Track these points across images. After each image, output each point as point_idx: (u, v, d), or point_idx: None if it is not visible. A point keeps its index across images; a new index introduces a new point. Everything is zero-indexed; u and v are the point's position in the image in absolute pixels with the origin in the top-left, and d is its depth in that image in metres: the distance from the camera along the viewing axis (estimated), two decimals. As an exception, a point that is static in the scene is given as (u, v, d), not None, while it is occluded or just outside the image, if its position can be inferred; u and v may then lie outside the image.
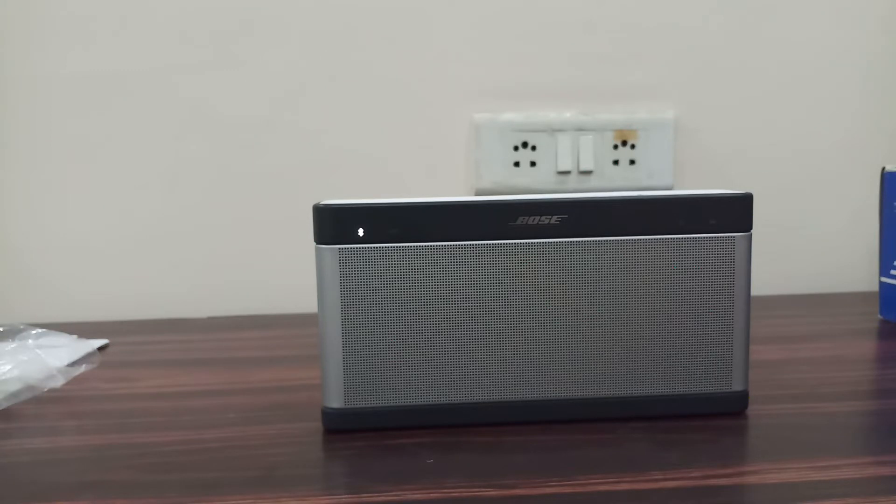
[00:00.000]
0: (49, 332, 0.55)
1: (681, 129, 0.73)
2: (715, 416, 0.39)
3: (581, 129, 0.71)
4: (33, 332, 0.54)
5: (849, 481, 0.32)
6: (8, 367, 0.46)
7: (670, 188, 0.72)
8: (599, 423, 0.38)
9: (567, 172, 0.72)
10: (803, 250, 0.76)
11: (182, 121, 0.70)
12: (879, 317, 0.62)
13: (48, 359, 0.49)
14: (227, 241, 0.72)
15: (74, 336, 0.56)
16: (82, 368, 0.50)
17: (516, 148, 0.71)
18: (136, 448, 0.37)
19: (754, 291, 0.40)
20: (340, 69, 0.71)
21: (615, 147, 0.72)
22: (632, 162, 0.72)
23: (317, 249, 0.38)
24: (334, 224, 0.37)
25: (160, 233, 0.71)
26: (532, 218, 0.38)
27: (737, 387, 0.39)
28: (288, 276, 0.70)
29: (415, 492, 0.31)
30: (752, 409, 0.40)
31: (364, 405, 0.38)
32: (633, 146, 0.72)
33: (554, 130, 0.71)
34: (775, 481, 0.32)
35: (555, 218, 0.38)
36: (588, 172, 0.72)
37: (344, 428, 0.38)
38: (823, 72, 0.74)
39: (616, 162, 0.72)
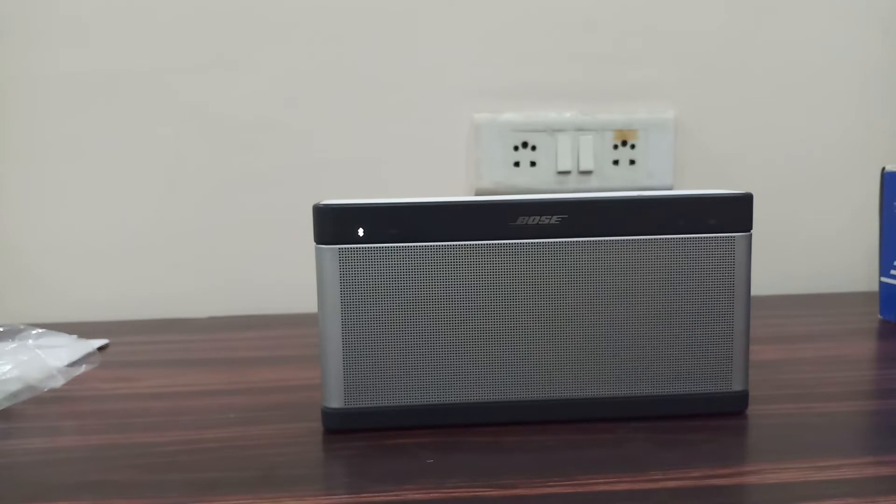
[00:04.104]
0: (49, 332, 0.55)
1: (681, 129, 0.73)
2: (715, 416, 0.39)
3: (581, 129, 0.71)
4: (33, 332, 0.54)
5: (849, 481, 0.32)
6: (8, 367, 0.46)
7: (670, 188, 0.72)
8: (599, 423, 0.38)
9: (567, 172, 0.72)
10: (803, 250, 0.76)
11: (182, 121, 0.70)
12: (879, 317, 0.62)
13: (48, 359, 0.49)
14: (227, 241, 0.72)
15: (74, 336, 0.56)
16: (82, 368, 0.50)
17: (516, 148, 0.71)
18: (136, 448, 0.37)
19: (754, 291, 0.40)
20: (340, 69, 0.71)
21: (615, 147, 0.72)
22: (632, 162, 0.72)
23: (317, 249, 0.38)
24: (334, 224, 0.37)
25: (160, 233, 0.71)
26: (532, 218, 0.38)
27: (737, 387, 0.39)
28: (288, 276, 0.70)
29: (415, 492, 0.31)
30: (752, 409, 0.40)
31: (364, 405, 0.38)
32: (633, 146, 0.72)
33: (554, 130, 0.71)
34: (775, 481, 0.32)
35: (555, 218, 0.38)
36: (588, 172, 0.72)
37: (344, 428, 0.38)
38: (823, 72, 0.74)
39: (616, 162, 0.72)
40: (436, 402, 0.38)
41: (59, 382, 0.47)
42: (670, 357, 0.39)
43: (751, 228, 0.39)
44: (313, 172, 0.71)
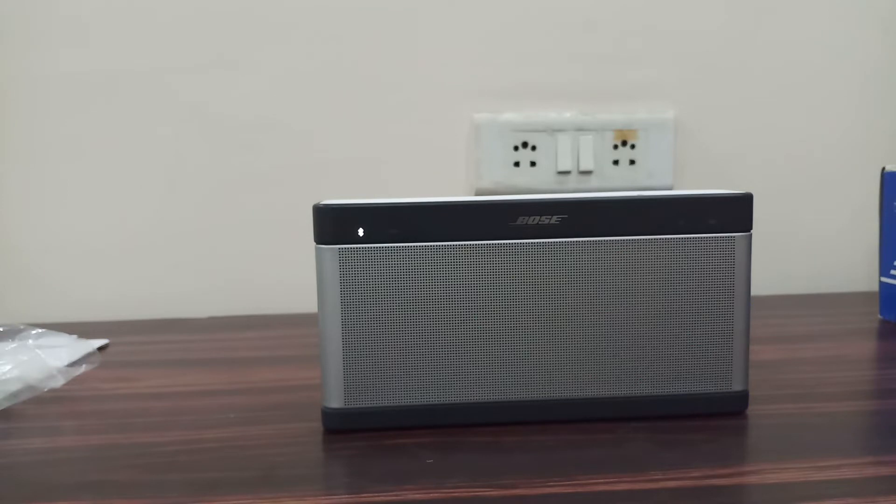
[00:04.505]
0: (49, 332, 0.55)
1: (681, 129, 0.73)
2: (715, 416, 0.39)
3: (581, 129, 0.71)
4: (33, 332, 0.54)
5: (849, 481, 0.32)
6: (8, 367, 0.46)
7: (670, 188, 0.72)
8: (599, 423, 0.38)
9: (567, 172, 0.72)
10: (803, 250, 0.76)
11: (182, 121, 0.70)
12: (879, 317, 0.62)
13: (48, 359, 0.49)
14: (228, 241, 0.72)
15: (74, 336, 0.56)
16: (82, 368, 0.50)
17: (516, 148, 0.71)
18: (136, 448, 0.37)
19: (754, 291, 0.40)
20: (340, 69, 0.71)
21: (615, 147, 0.72)
22: (632, 162, 0.72)
23: (317, 249, 0.38)
24: (334, 224, 0.37)
25: (160, 233, 0.71)
26: (532, 218, 0.38)
27: (737, 387, 0.39)
28: (288, 276, 0.70)
29: (415, 492, 0.31)
30: (752, 409, 0.40)
31: (364, 405, 0.38)
32: (633, 146, 0.72)
33: (554, 130, 0.71)
34: (775, 481, 0.32)
35: (555, 218, 0.38)
36: (588, 172, 0.72)
37: (344, 428, 0.38)
38: (823, 72, 0.74)
39: (616, 162, 0.72)
40: (436, 402, 0.38)
41: (59, 382, 0.47)
42: (670, 357, 0.39)
43: (751, 228, 0.39)
44: (313, 172, 0.71)
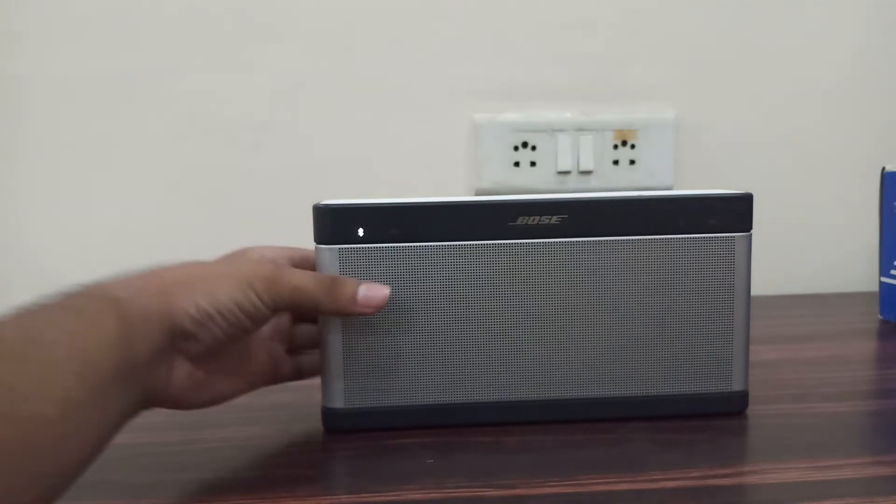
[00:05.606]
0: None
1: (681, 129, 0.73)
2: (715, 416, 0.39)
3: (581, 129, 0.71)
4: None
5: (849, 481, 0.32)
6: (8, 367, 0.46)
7: (670, 188, 0.72)
8: (599, 423, 0.38)
9: (567, 172, 0.72)
10: (803, 250, 0.76)
11: (183, 122, 0.70)
12: (879, 317, 0.62)
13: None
14: (228, 241, 0.71)
15: (74, 336, 0.56)
16: (82, 368, 0.50)
17: (516, 148, 0.71)
18: (136, 448, 0.37)
19: (754, 291, 0.40)
20: (341, 70, 0.71)
21: (615, 147, 0.72)
22: (632, 162, 0.72)
23: (317, 249, 0.38)
24: (334, 224, 0.37)
25: (160, 233, 0.71)
26: (532, 218, 0.38)
27: (737, 387, 0.39)
28: (288, 276, 0.70)
29: (415, 492, 0.31)
30: (752, 409, 0.40)
31: (364, 405, 0.38)
32: (633, 146, 0.72)
33: (554, 130, 0.71)
34: (775, 481, 0.32)
35: (555, 218, 0.38)
36: (588, 172, 0.72)
37: (344, 428, 0.38)
38: (823, 71, 0.74)
39: (616, 162, 0.72)
40: (436, 402, 0.38)
41: (59, 382, 0.47)
42: (670, 357, 0.39)
43: (751, 228, 0.39)
44: (313, 172, 0.71)
